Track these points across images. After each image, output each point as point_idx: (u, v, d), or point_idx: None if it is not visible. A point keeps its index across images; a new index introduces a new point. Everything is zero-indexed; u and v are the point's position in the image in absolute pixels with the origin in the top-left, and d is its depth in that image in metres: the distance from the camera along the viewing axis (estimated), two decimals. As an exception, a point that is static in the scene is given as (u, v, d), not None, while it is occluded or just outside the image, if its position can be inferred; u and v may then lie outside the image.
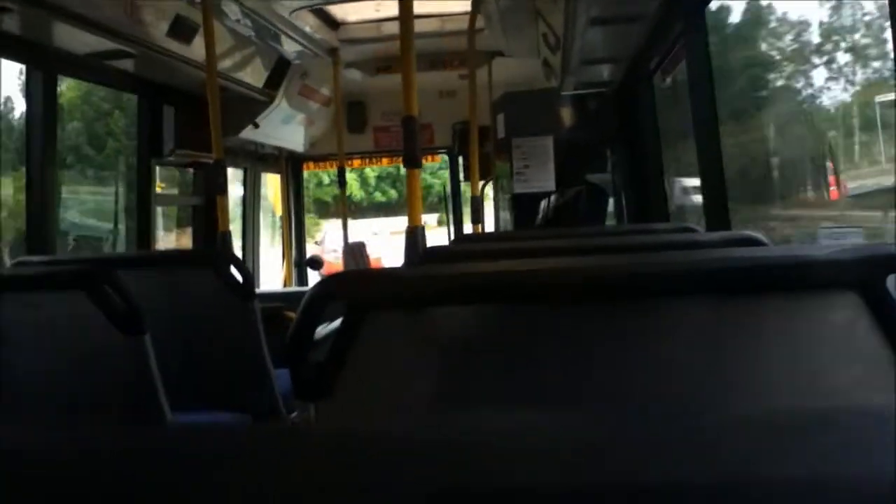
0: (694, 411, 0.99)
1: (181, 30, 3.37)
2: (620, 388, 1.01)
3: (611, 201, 4.79)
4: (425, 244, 2.26)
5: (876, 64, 2.77)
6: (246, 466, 0.43)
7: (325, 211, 17.96)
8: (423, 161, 6.89)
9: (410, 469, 0.42)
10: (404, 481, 0.40)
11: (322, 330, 1.04)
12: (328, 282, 1.01)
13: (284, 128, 5.04)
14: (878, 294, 0.92)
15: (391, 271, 1.07)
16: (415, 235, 2.22)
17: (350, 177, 18.70)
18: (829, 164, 3.01)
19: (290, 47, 4.32)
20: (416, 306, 1.01)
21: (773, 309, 0.98)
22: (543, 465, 0.42)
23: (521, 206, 4.63)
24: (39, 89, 3.02)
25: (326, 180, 16.50)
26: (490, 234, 4.18)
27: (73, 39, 2.98)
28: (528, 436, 0.47)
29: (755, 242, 1.51)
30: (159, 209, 4.27)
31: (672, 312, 1.01)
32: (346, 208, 4.99)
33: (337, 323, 1.00)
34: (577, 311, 1.02)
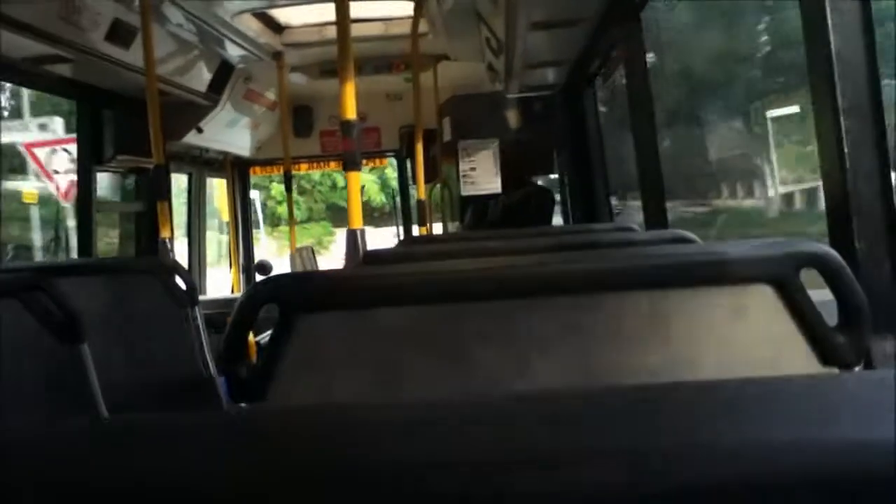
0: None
1: (119, 34, 3.31)
2: (560, 380, 1.04)
3: (555, 202, 4.86)
4: (365, 247, 2.27)
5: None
6: (179, 455, 0.44)
7: (340, 218, 17.40)
8: (372, 164, 6.88)
9: (342, 447, 0.43)
10: (335, 459, 0.41)
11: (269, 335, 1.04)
12: (260, 285, 1.01)
13: (229, 132, 4.98)
14: (792, 287, 0.97)
15: (325, 273, 1.08)
16: (354, 238, 2.23)
17: (367, 178, 18.01)
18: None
19: (233, 51, 4.28)
20: (348, 308, 1.02)
21: (699, 302, 1.02)
22: (478, 439, 0.43)
23: (469, 207, 4.67)
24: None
25: (342, 182, 16.04)
26: (436, 235, 4.21)
27: (8, 44, 2.91)
28: (462, 414, 0.49)
29: (686, 241, 1.56)
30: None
31: (607, 307, 1.05)
32: (293, 213, 4.94)
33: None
34: (511, 309, 1.05)
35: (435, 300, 1.05)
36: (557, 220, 4.95)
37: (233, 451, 0.45)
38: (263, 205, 17.10)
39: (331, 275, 1.07)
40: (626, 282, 1.04)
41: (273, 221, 18.97)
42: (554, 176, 5.02)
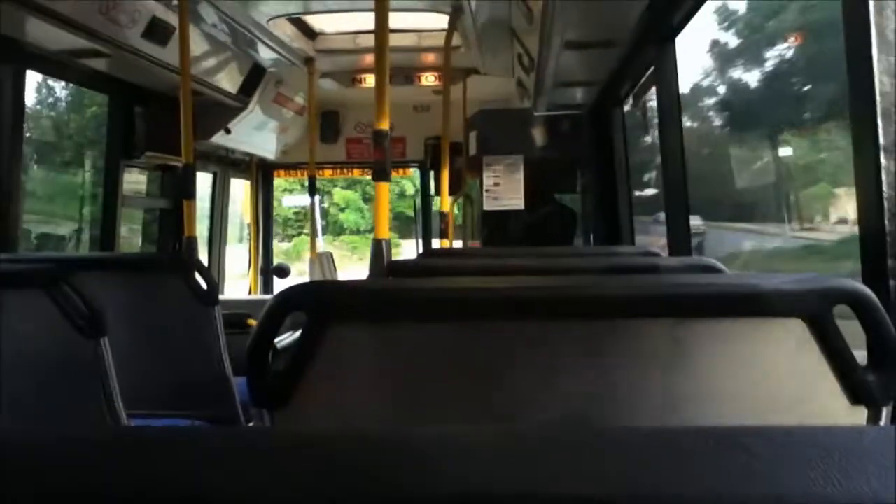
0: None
1: (156, 32, 3.35)
2: (578, 406, 1.03)
3: (578, 222, 4.85)
4: (390, 257, 2.26)
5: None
6: (194, 468, 0.44)
7: (407, 229, 15.31)
8: (395, 174, 6.91)
9: (357, 472, 0.43)
10: (350, 484, 0.41)
11: (288, 339, 1.04)
12: (290, 292, 1.01)
13: (256, 134, 5.02)
14: (824, 323, 0.95)
15: (354, 284, 1.08)
16: (380, 248, 2.22)
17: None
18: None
19: (265, 55, 4.32)
20: (376, 320, 1.02)
21: (726, 333, 1.01)
22: (496, 472, 0.43)
23: (491, 222, 4.67)
24: (8, 84, 2.99)
25: (411, 189, 14.60)
26: (457, 249, 4.21)
27: (45, 35, 2.95)
28: (482, 445, 0.48)
29: (713, 270, 1.55)
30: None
31: (630, 333, 1.04)
32: (315, 219, 4.96)
33: (298, 333, 1.01)
34: (535, 330, 1.04)
35: (460, 317, 1.04)
36: (577, 239, 4.94)
37: (249, 472, 0.44)
38: (324, 211, 16.30)
39: (359, 285, 1.07)
40: (654, 309, 1.02)
41: (335, 230, 17.86)
42: (576, 195, 5.01)
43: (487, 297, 1.04)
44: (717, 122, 4.35)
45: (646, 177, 4.74)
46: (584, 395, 1.04)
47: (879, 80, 1.12)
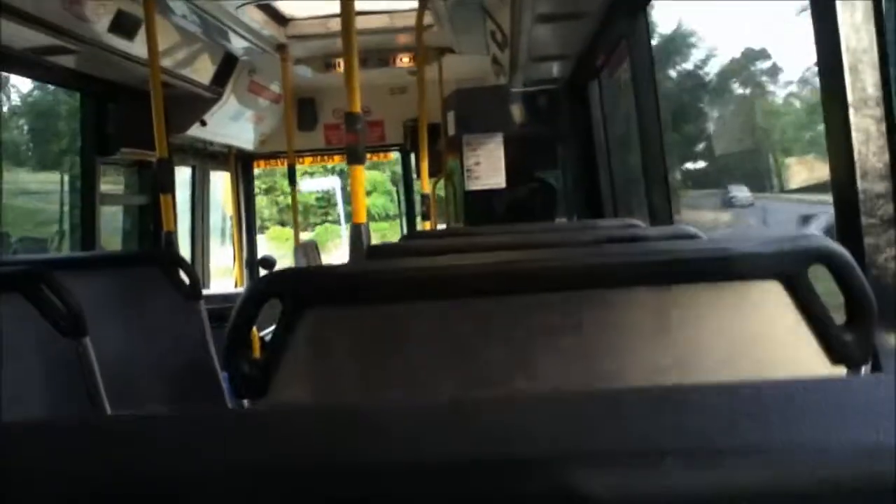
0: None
1: (123, 25, 3.30)
2: (562, 377, 1.03)
3: (560, 197, 4.85)
4: (370, 241, 2.26)
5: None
6: (183, 452, 0.43)
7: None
8: (376, 158, 6.87)
9: (345, 446, 0.42)
10: (337, 458, 0.41)
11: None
12: (265, 280, 1.00)
13: (233, 125, 4.98)
14: (800, 284, 0.95)
15: (328, 268, 1.07)
16: (359, 232, 2.22)
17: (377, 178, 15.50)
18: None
19: (237, 43, 4.27)
20: (354, 302, 1.01)
21: (705, 299, 1.01)
22: (484, 438, 0.43)
23: (473, 202, 4.66)
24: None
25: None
26: (440, 230, 4.20)
27: (11, 34, 2.90)
28: (465, 412, 0.48)
29: (692, 237, 1.55)
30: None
31: (610, 303, 1.04)
32: (297, 208, 4.93)
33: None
34: (516, 304, 1.04)
35: (439, 295, 1.04)
36: (560, 216, 4.94)
37: (231, 451, 0.44)
38: (346, 194, 14.25)
39: (334, 270, 1.06)
40: (632, 277, 1.03)
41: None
42: (556, 171, 5.01)
43: (465, 272, 1.04)
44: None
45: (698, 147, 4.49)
46: (568, 366, 1.04)
47: (845, 35, 1.11)
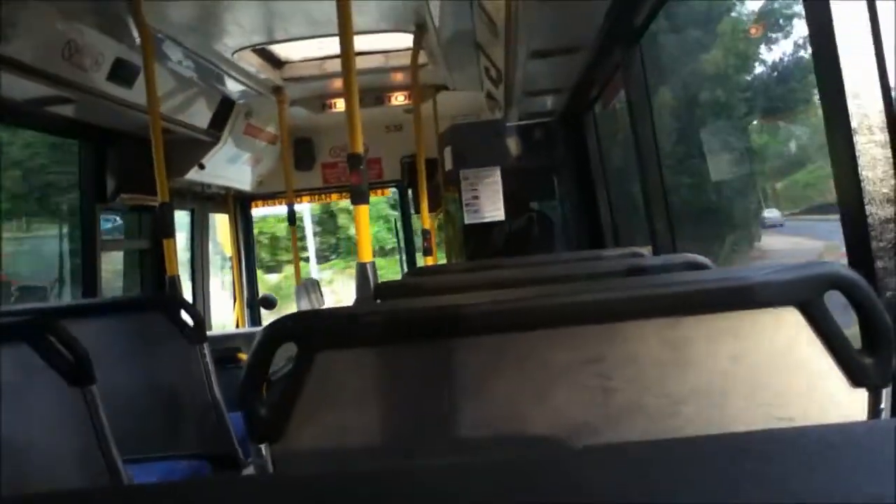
0: (649, 431, 1.01)
1: (122, 73, 3.33)
2: (577, 415, 1.03)
3: (558, 228, 4.86)
4: (377, 279, 2.26)
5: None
6: None
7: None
8: (373, 195, 6.91)
9: None
10: None
11: (279, 370, 1.03)
12: (278, 323, 1.00)
13: (231, 167, 5.00)
14: (817, 310, 0.95)
15: (341, 310, 1.07)
16: (365, 271, 2.22)
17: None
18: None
19: (233, 87, 4.31)
20: (367, 344, 1.01)
21: (720, 329, 1.01)
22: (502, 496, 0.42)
23: (472, 235, 4.67)
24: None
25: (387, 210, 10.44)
26: (442, 266, 4.20)
27: (9, 85, 2.92)
28: (487, 471, 0.48)
29: (698, 266, 1.56)
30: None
31: (624, 337, 1.03)
32: (296, 247, 4.94)
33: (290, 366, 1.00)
34: (528, 341, 1.04)
35: (452, 334, 1.04)
36: (558, 246, 4.95)
37: None
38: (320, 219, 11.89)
39: (347, 311, 1.06)
40: (647, 311, 1.02)
41: (347, 248, 12.78)
42: (553, 201, 5.04)
43: (477, 312, 1.04)
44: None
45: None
46: (582, 403, 1.03)
47: (847, 61, 1.13)
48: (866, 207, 1.13)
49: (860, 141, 1.12)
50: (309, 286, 4.83)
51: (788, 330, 0.98)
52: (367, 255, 2.26)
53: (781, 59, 3.23)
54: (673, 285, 1.04)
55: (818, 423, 0.97)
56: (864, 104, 1.13)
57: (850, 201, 1.17)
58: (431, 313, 1.05)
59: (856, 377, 0.97)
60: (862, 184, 1.14)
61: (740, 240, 3.57)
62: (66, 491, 0.48)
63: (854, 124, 1.13)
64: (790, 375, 1.00)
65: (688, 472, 0.44)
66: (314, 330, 1.00)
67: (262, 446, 1.01)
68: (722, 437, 0.52)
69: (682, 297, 0.99)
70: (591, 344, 1.03)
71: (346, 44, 2.39)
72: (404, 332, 1.02)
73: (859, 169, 1.12)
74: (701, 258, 1.58)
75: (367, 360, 1.03)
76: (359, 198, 2.28)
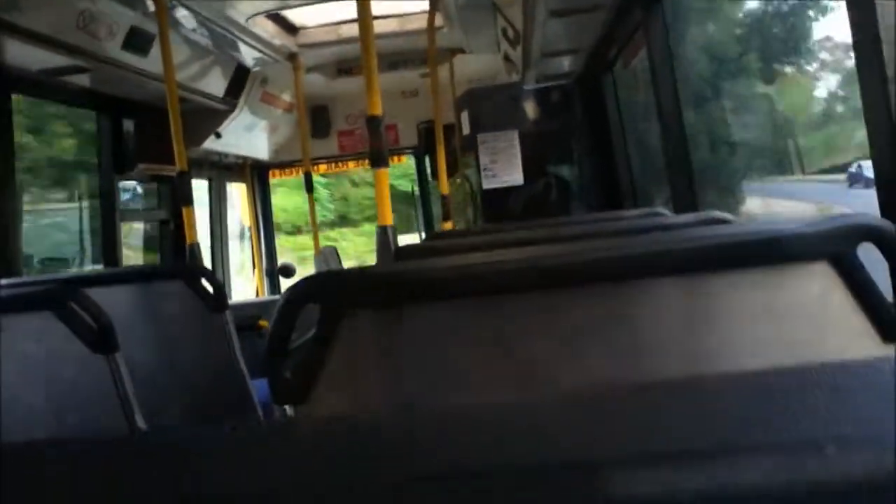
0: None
1: (136, 42, 3.31)
2: (601, 372, 1.01)
3: (576, 191, 4.82)
4: (397, 243, 2.24)
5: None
6: (227, 471, 0.42)
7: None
8: (391, 161, 6.89)
9: (389, 456, 0.41)
10: (383, 468, 0.39)
11: (298, 340, 1.03)
12: (303, 284, 0.99)
13: (247, 136, 4.99)
14: (849, 263, 0.93)
15: (366, 271, 1.06)
16: (386, 235, 2.21)
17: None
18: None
19: (248, 54, 4.28)
20: (391, 304, 1.00)
21: (749, 284, 0.99)
22: (526, 443, 0.41)
23: (490, 201, 4.64)
24: (-6, 110, 2.96)
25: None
26: (462, 230, 4.19)
27: (25, 56, 2.92)
28: (511, 417, 0.47)
29: (722, 222, 1.52)
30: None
31: (647, 294, 1.01)
32: (315, 215, 4.93)
33: (312, 332, 0.99)
34: (554, 299, 1.02)
35: (476, 293, 1.02)
36: (576, 209, 4.91)
37: (275, 464, 0.42)
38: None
39: (371, 272, 1.05)
40: (674, 266, 1.00)
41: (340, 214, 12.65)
42: (572, 165, 4.98)
43: (502, 269, 1.02)
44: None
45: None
46: (607, 359, 1.02)
47: (881, 11, 1.09)
48: (901, 159, 1.10)
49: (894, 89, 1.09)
50: (328, 254, 4.84)
51: (819, 284, 0.95)
52: (387, 219, 2.25)
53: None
54: (697, 240, 1.01)
55: None
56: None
57: (883, 152, 1.13)
58: (457, 272, 1.03)
59: (889, 332, 0.95)
60: (896, 134, 1.10)
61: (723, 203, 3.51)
62: (79, 438, 0.48)
63: (889, 73, 1.09)
64: (820, 331, 0.98)
65: (716, 409, 0.43)
66: (339, 289, 0.99)
67: (287, 409, 1.01)
68: (749, 375, 0.50)
69: (707, 251, 0.97)
70: (616, 301, 1.01)
71: (363, 4, 2.35)
72: (430, 290, 1.01)
73: (893, 116, 1.09)
74: (725, 215, 1.55)
75: (392, 320, 1.02)
76: (378, 161, 2.26)
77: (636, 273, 1.00)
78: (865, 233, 0.93)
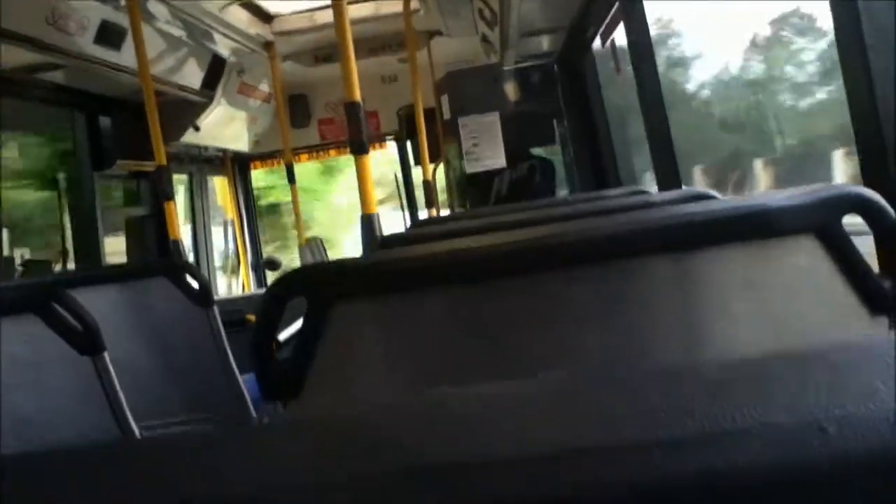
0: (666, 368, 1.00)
1: (108, 36, 3.26)
2: (590, 352, 1.01)
3: (561, 171, 4.82)
4: (381, 232, 2.23)
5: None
6: (219, 471, 0.41)
7: None
8: (371, 148, 6.84)
9: (384, 449, 0.40)
10: (379, 461, 0.38)
11: (286, 331, 1.02)
12: (287, 277, 0.98)
13: (226, 128, 4.94)
14: (835, 235, 0.93)
15: (350, 261, 1.05)
16: (370, 223, 2.19)
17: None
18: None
19: (223, 45, 4.23)
20: (377, 293, 0.99)
21: (736, 259, 0.98)
22: (521, 432, 0.40)
23: (474, 185, 4.63)
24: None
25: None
26: (447, 216, 4.18)
27: (-4, 55, 2.87)
28: (504, 404, 0.46)
29: (707, 198, 1.52)
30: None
31: (636, 272, 1.01)
32: (298, 205, 4.90)
33: (299, 324, 0.97)
34: (542, 281, 1.01)
35: (462, 279, 1.01)
36: (561, 191, 4.90)
37: (269, 466, 0.42)
38: None
39: (355, 262, 1.04)
40: (660, 243, 0.99)
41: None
42: (555, 145, 4.97)
43: (487, 254, 1.01)
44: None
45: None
46: (598, 340, 1.01)
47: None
48: (883, 127, 1.10)
49: (875, 58, 1.08)
50: (313, 245, 4.81)
51: (805, 257, 0.95)
52: (370, 207, 2.23)
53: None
54: (683, 216, 1.01)
55: None
56: (875, 17, 1.08)
57: (865, 122, 1.13)
58: (442, 258, 1.02)
59: (876, 304, 0.94)
60: (878, 103, 1.10)
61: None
62: (77, 447, 0.47)
63: (868, 41, 1.08)
64: (809, 305, 0.98)
65: (714, 392, 0.42)
66: (323, 281, 0.97)
67: (277, 404, 1.00)
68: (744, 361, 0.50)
69: (692, 227, 0.96)
70: (603, 281, 1.01)
71: None
72: (418, 278, 1.00)
73: (875, 87, 1.08)
74: (709, 191, 1.54)
75: (379, 310, 1.01)
76: (359, 148, 2.24)
77: (624, 251, 1.00)
78: (850, 203, 0.92)
